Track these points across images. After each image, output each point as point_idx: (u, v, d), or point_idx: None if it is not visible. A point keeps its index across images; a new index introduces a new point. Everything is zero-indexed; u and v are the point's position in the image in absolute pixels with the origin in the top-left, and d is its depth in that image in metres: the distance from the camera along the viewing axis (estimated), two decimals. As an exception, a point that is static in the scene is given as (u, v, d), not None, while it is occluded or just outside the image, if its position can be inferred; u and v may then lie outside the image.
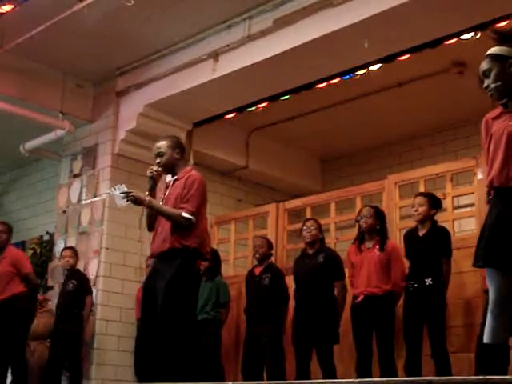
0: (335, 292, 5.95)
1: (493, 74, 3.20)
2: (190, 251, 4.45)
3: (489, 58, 3.23)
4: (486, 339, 3.07)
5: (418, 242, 5.55)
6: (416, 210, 5.60)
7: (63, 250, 7.58)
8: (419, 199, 5.64)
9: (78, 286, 7.14)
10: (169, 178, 4.78)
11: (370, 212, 5.86)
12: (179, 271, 4.40)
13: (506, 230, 3.06)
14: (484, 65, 3.24)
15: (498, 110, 3.26)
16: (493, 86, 3.20)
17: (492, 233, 3.09)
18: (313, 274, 5.92)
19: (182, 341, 4.34)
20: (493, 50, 3.24)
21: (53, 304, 7.60)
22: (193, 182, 4.54)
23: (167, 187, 4.67)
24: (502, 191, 3.14)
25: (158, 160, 4.67)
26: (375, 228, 5.79)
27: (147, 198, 4.51)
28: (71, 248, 7.54)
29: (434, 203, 5.65)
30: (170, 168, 4.69)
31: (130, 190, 4.50)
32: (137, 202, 4.51)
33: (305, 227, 6.13)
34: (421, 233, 5.58)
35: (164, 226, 4.54)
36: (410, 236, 5.69)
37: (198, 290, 4.72)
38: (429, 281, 5.36)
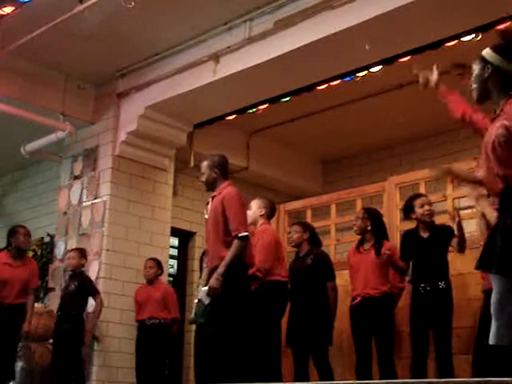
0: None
1: (473, 75, 3.12)
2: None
3: (478, 59, 3.12)
4: (491, 340, 3.04)
5: (423, 244, 5.48)
6: (428, 210, 5.54)
7: (69, 250, 7.59)
8: (426, 199, 5.62)
9: (80, 287, 7.09)
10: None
11: (360, 214, 5.89)
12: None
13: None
14: (473, 64, 3.15)
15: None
16: (471, 87, 3.14)
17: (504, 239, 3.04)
18: (303, 276, 5.93)
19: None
20: (483, 51, 3.12)
21: (53, 305, 7.57)
22: (231, 199, 4.86)
23: (207, 204, 5.05)
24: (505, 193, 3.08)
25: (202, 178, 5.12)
26: (366, 229, 5.79)
27: (216, 284, 4.69)
28: (76, 249, 7.47)
29: None
30: (210, 185, 5.09)
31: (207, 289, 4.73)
32: (217, 289, 4.71)
33: (288, 234, 6.32)
34: (424, 235, 5.52)
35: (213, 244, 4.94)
36: (412, 238, 5.59)
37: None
38: (442, 284, 5.33)
